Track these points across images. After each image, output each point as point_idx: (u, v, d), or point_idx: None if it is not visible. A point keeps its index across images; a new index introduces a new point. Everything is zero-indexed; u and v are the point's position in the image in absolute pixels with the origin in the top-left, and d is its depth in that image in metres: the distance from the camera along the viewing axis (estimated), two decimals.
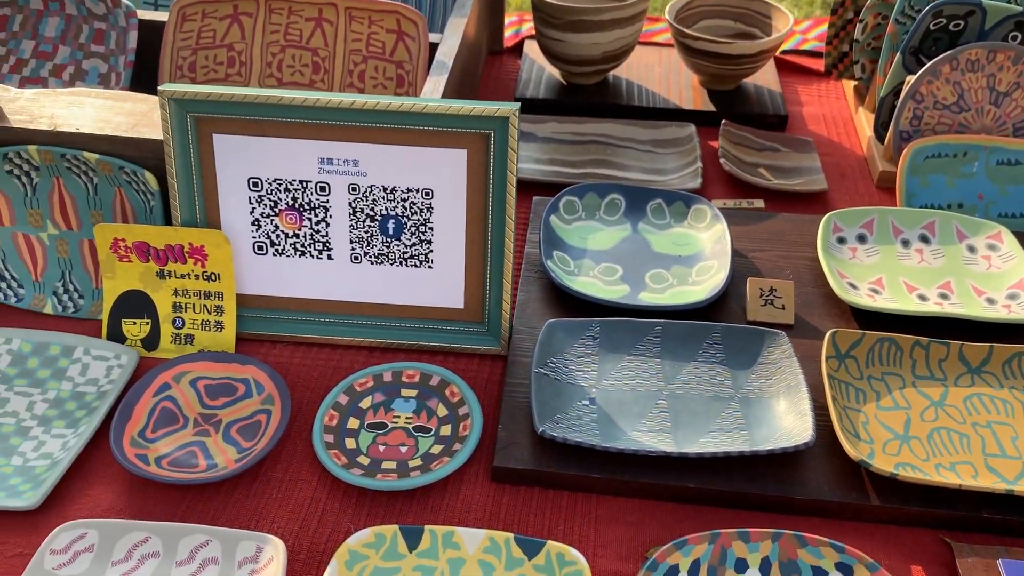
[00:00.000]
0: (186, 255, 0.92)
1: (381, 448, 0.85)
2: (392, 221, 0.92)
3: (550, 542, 0.74)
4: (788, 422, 0.82)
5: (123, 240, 0.92)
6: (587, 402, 0.86)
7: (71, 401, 0.89)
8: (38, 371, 0.91)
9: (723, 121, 1.29)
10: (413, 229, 0.92)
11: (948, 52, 1.15)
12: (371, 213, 0.92)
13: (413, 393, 0.90)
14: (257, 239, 0.94)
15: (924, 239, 1.07)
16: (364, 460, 0.83)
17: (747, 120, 1.33)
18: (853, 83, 1.40)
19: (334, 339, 0.95)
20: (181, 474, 0.80)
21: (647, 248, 1.05)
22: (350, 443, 0.85)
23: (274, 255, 0.94)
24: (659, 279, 1.01)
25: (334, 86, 1.16)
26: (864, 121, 1.33)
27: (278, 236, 0.93)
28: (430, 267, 0.93)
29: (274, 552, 0.74)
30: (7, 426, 0.86)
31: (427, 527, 0.75)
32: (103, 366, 0.91)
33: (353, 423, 0.87)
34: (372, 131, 0.88)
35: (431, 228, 0.92)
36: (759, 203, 1.17)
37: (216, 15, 1.15)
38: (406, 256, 0.93)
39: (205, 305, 0.94)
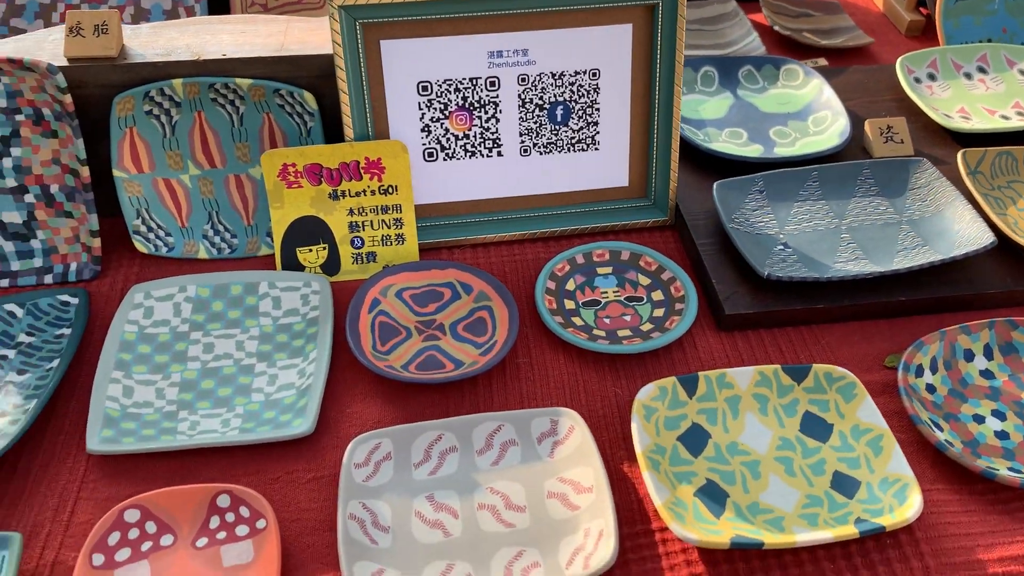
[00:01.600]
0: (361, 171, 0.91)
1: (607, 320, 0.88)
2: (560, 107, 0.93)
3: (815, 365, 0.80)
4: (961, 229, 0.92)
5: (292, 165, 0.89)
6: (782, 247, 0.92)
7: (280, 334, 0.86)
8: (228, 312, 0.88)
9: None
10: (580, 113, 0.94)
11: None
12: (540, 102, 0.93)
13: (608, 270, 0.93)
14: (427, 145, 0.93)
15: (982, 70, 1.19)
16: (600, 332, 0.86)
17: None
18: None
19: (509, 235, 0.96)
20: (445, 374, 0.81)
21: (756, 111, 1.12)
22: (578, 321, 0.88)
23: (444, 160, 0.94)
24: (783, 135, 1.08)
25: None
26: None
27: (448, 140, 0.93)
28: (597, 149, 0.96)
29: (572, 421, 0.76)
30: (228, 367, 0.84)
31: (701, 373, 0.80)
32: (296, 296, 0.89)
33: (570, 304, 0.89)
34: (540, 16, 0.88)
35: (598, 109, 0.94)
36: (823, 61, 1.25)
37: None
38: (573, 142, 0.95)
39: (383, 220, 0.93)
